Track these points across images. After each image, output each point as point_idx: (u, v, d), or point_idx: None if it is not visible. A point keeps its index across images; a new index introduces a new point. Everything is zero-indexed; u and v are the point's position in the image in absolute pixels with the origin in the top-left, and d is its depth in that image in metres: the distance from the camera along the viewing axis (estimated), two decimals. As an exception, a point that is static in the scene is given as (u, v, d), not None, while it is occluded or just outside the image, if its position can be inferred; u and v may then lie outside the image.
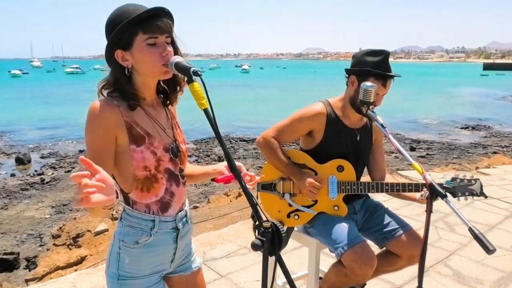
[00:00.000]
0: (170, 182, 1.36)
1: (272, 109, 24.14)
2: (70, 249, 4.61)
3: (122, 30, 1.21)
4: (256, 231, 1.07)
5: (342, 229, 1.99)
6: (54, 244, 4.87)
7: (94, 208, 1.11)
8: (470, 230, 1.38)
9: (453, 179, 1.96)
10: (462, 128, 18.27)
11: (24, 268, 5.90)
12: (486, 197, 2.00)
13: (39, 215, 8.55)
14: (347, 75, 2.10)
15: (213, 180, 1.57)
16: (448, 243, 3.67)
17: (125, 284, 1.34)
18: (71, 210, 8.62)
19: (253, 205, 1.08)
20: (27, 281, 4.06)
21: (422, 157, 11.86)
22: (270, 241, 1.03)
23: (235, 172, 1.11)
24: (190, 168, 1.59)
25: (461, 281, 3.03)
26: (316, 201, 2.10)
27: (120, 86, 1.29)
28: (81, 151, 14.16)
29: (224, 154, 1.11)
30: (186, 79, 1.19)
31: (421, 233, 2.06)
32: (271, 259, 1.07)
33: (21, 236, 7.33)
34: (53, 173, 11.66)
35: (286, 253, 3.33)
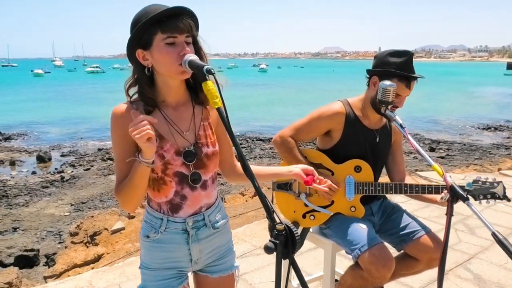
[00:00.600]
0: (182, 185, 1.35)
1: (289, 109, 24.08)
2: (87, 247, 4.68)
3: (142, 29, 1.22)
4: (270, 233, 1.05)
5: (359, 230, 1.94)
6: (72, 242, 4.95)
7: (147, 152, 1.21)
8: (493, 235, 1.33)
9: (475, 181, 1.90)
10: (484, 128, 17.85)
11: (43, 265, 6.02)
12: (509, 200, 1.93)
13: (59, 212, 8.72)
14: (368, 76, 2.05)
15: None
16: (468, 246, 3.57)
17: (143, 273, 1.42)
18: (89, 208, 8.76)
19: (266, 207, 1.05)
20: (45, 278, 4.14)
21: (442, 157, 11.63)
22: (284, 244, 1.00)
23: (248, 171, 1.09)
24: (257, 169, 1.53)
25: (482, 285, 2.94)
26: (332, 202, 2.07)
27: (140, 87, 1.31)
28: (99, 150, 14.41)
29: (237, 153, 1.09)
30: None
31: (441, 236, 2.01)
32: (285, 261, 1.05)
33: (41, 233, 7.48)
34: (72, 171, 11.87)
35: (301, 254, 3.30)
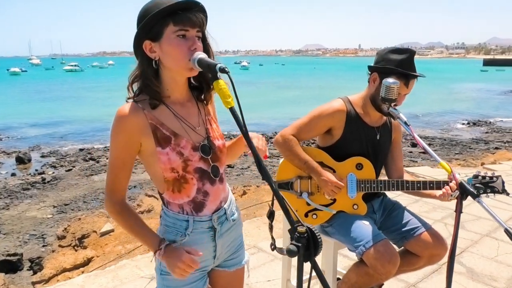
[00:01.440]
0: (203, 182, 1.32)
1: (272, 106, 24.08)
2: (76, 250, 4.56)
3: (153, 20, 1.18)
4: (290, 236, 1.02)
5: (362, 228, 1.94)
6: (60, 246, 4.82)
7: None
8: (506, 231, 1.33)
9: (475, 176, 1.92)
10: (463, 124, 18.26)
11: (27, 270, 5.84)
12: (508, 194, 1.95)
13: (41, 215, 8.49)
14: (369, 72, 2.04)
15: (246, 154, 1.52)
16: (459, 240, 3.58)
17: (166, 279, 1.35)
18: (72, 210, 8.56)
19: (285, 209, 1.02)
20: (33, 283, 4.01)
21: (423, 153, 11.82)
22: (306, 247, 0.98)
23: (265, 174, 1.05)
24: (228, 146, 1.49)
25: (475, 278, 2.99)
26: (334, 200, 2.05)
27: (145, 80, 1.26)
28: (81, 150, 14.14)
29: (253, 156, 1.06)
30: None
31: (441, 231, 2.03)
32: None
33: (23, 237, 7.27)
34: (53, 172, 11.60)
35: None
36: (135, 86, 1.30)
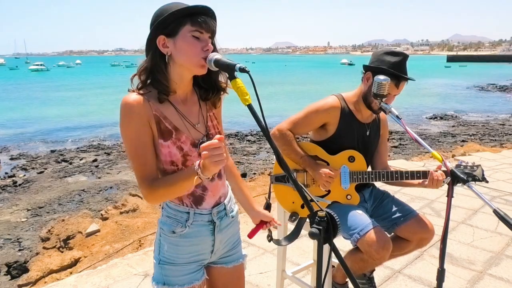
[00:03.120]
0: None
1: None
2: (61, 251, 4.49)
3: (171, 17, 1.23)
4: (310, 220, 1.11)
5: (356, 216, 2.05)
6: (44, 248, 4.72)
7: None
8: (495, 211, 1.47)
9: (457, 165, 2.06)
10: (430, 118, 18.92)
11: (4, 274, 5.71)
12: (487, 181, 2.11)
13: (15, 219, 8.25)
14: (364, 71, 2.15)
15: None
16: (437, 228, 3.79)
17: (164, 269, 1.40)
18: (48, 213, 8.36)
19: (304, 197, 1.11)
20: (20, 286, 3.94)
21: (395, 147, 12.20)
22: (325, 229, 1.07)
23: (287, 170, 1.12)
24: (243, 189, 1.63)
25: (455, 262, 3.18)
26: (329, 191, 2.16)
27: (155, 74, 1.29)
28: (52, 151, 13.78)
29: (274, 151, 1.14)
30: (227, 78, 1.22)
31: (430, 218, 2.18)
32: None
33: (-2, 242, 7.08)
34: (25, 175, 11.27)
35: (288, 246, 3.39)
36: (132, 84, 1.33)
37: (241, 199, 1.64)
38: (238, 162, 10.58)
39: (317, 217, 1.08)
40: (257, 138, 14.15)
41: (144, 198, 1.34)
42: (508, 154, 7.01)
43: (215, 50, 1.32)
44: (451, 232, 3.75)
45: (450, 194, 1.60)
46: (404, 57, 2.06)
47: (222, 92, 1.44)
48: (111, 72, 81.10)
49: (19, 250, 6.64)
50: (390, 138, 13.60)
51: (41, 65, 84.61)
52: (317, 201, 2.15)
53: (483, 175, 2.08)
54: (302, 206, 2.17)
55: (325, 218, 1.08)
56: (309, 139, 2.32)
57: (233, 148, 12.58)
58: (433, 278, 2.85)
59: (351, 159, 2.16)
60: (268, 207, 1.91)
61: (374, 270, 2.36)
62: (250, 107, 1.15)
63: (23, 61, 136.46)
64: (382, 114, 2.31)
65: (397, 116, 1.82)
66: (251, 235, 1.61)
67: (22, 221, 8.07)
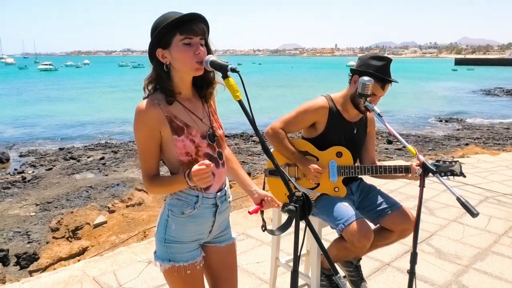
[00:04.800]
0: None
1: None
2: (70, 241, 4.71)
3: (163, 31, 1.43)
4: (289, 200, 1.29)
5: (342, 208, 2.23)
6: (54, 237, 4.95)
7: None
8: (458, 199, 1.63)
9: (437, 161, 2.23)
10: (436, 121, 18.98)
11: (14, 265, 5.94)
12: (465, 176, 2.26)
13: (24, 213, 8.51)
14: (350, 74, 2.33)
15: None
16: (428, 225, 3.98)
17: (170, 247, 1.57)
18: (56, 208, 8.61)
19: (284, 180, 1.30)
20: (30, 272, 4.15)
21: (399, 149, 12.31)
22: (301, 207, 1.25)
23: (270, 156, 1.31)
24: (240, 171, 1.79)
25: (443, 257, 3.33)
26: (318, 184, 2.34)
27: (160, 81, 1.50)
28: (61, 149, 14.06)
29: (259, 140, 1.32)
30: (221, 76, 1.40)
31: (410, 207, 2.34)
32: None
33: (7, 234, 7.30)
34: (33, 172, 11.54)
35: (283, 237, 3.56)
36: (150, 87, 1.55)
37: (242, 182, 1.79)
38: (243, 162, 10.77)
39: (294, 197, 1.25)
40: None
41: (146, 190, 1.57)
42: (506, 157, 7.13)
43: (209, 50, 1.50)
44: (441, 229, 3.90)
45: (421, 184, 1.78)
46: (388, 61, 2.24)
47: (213, 85, 1.62)
48: (119, 72, 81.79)
49: (28, 242, 6.87)
50: (394, 141, 13.72)
51: (49, 64, 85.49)
52: (308, 193, 2.34)
53: (461, 170, 2.24)
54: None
55: (301, 198, 1.25)
56: (300, 136, 2.50)
57: (238, 148, 12.78)
58: (421, 271, 3.03)
59: (339, 154, 2.33)
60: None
61: (360, 259, 2.53)
62: (240, 102, 1.34)
63: (31, 61, 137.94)
64: (369, 113, 2.48)
65: (378, 114, 1.99)
66: (252, 212, 1.74)
67: (31, 215, 8.32)
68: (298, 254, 1.35)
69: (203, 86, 1.62)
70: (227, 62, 1.39)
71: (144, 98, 1.52)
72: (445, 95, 32.41)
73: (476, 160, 6.74)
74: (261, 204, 1.74)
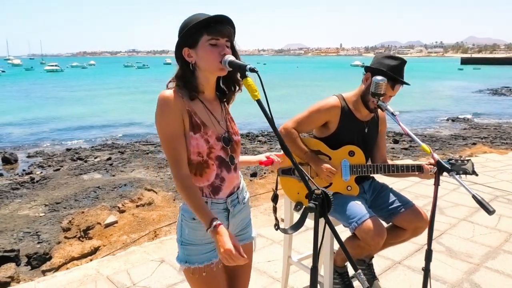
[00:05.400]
0: (221, 168, 1.57)
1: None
2: (81, 241, 4.76)
3: (190, 31, 1.45)
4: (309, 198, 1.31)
5: (355, 206, 2.24)
6: (65, 237, 5.00)
7: None
8: (474, 196, 1.65)
9: (449, 159, 2.24)
10: (442, 120, 18.91)
11: (25, 265, 6.00)
12: (477, 175, 2.28)
13: (33, 213, 8.58)
14: (364, 72, 2.35)
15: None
16: (439, 224, 3.98)
17: (187, 249, 1.59)
18: (65, 208, 8.68)
19: (304, 178, 1.31)
20: (43, 272, 4.20)
21: (406, 149, 12.28)
22: (321, 205, 1.27)
23: (289, 156, 1.34)
24: (242, 159, 1.81)
25: (454, 255, 3.34)
26: (331, 183, 2.36)
27: (185, 79, 1.52)
28: (68, 150, 14.16)
29: (278, 139, 1.34)
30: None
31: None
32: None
33: (18, 234, 7.37)
34: (41, 172, 11.63)
35: (294, 235, 3.59)
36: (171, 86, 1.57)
37: (247, 162, 1.86)
38: (248, 162, 10.79)
39: (314, 194, 1.27)
40: (267, 139, 14.36)
41: (174, 182, 1.54)
42: (515, 156, 7.11)
43: (234, 51, 1.52)
44: (452, 228, 3.90)
45: (436, 183, 1.79)
46: (402, 62, 2.25)
47: (238, 88, 1.64)
48: (124, 73, 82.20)
49: (38, 242, 6.94)
50: (401, 140, 13.69)
51: (55, 65, 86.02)
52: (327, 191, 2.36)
53: (473, 168, 2.25)
54: (307, 197, 2.36)
55: (321, 195, 1.27)
56: (312, 135, 2.52)
57: (244, 148, 12.80)
58: (432, 270, 3.02)
59: (351, 153, 2.35)
60: (275, 197, 2.11)
61: (372, 257, 2.55)
62: (258, 102, 1.36)
63: (37, 62, 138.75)
64: (380, 112, 2.50)
65: (392, 113, 2.00)
66: (263, 163, 1.78)
67: (40, 216, 8.39)
68: (318, 251, 1.36)
69: (227, 88, 1.64)
70: (246, 63, 1.41)
71: (167, 87, 1.54)
72: (452, 94, 32.25)
73: (484, 159, 6.72)
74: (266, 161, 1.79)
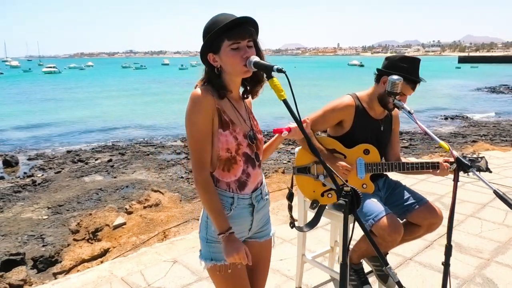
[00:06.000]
0: (247, 164, 1.61)
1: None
2: (91, 243, 4.76)
3: (212, 38, 1.48)
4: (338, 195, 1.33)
5: (371, 204, 2.27)
6: (74, 239, 5.00)
7: None
8: (495, 192, 1.67)
9: (464, 157, 2.26)
10: (441, 119, 18.98)
11: (31, 268, 6.00)
12: (491, 172, 2.31)
13: (36, 216, 8.58)
14: (377, 74, 2.37)
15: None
16: (446, 220, 4.00)
17: (212, 246, 1.61)
18: (68, 211, 8.67)
19: (332, 176, 1.34)
20: (55, 274, 4.21)
21: (406, 147, 12.33)
22: (350, 202, 1.29)
23: (317, 155, 1.35)
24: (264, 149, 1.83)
25: (463, 251, 3.37)
26: (346, 181, 2.37)
27: (213, 81, 1.55)
28: (68, 152, 14.15)
29: (306, 139, 1.35)
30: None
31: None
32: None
33: (22, 238, 7.36)
34: (43, 175, 11.61)
35: (309, 233, 3.62)
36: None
37: (269, 148, 1.87)
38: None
39: (343, 192, 1.30)
40: (268, 139, 14.33)
41: (194, 183, 1.57)
42: (517, 153, 7.15)
43: (258, 50, 1.54)
44: (460, 224, 3.93)
45: (456, 179, 1.82)
46: (418, 62, 2.30)
47: (262, 84, 1.66)
48: (122, 73, 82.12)
49: (43, 245, 6.93)
50: (401, 138, 13.75)
51: (53, 67, 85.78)
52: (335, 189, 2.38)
53: (486, 165, 2.29)
54: (322, 195, 2.39)
55: (350, 193, 1.29)
56: (327, 134, 2.54)
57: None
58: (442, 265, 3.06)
59: (366, 152, 2.37)
60: (291, 196, 2.13)
61: (387, 253, 2.57)
62: (285, 101, 1.38)
63: (35, 64, 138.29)
64: (394, 110, 2.52)
65: (409, 112, 2.03)
66: (275, 130, 1.79)
67: (44, 219, 8.38)
68: (347, 247, 1.38)
69: (250, 85, 1.66)
70: (273, 64, 1.43)
71: (196, 86, 1.56)
72: (450, 93, 32.38)
73: (487, 157, 6.65)
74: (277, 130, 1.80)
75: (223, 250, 1.51)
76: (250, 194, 1.64)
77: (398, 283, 1.41)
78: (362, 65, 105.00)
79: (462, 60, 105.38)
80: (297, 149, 2.53)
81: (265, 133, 15.22)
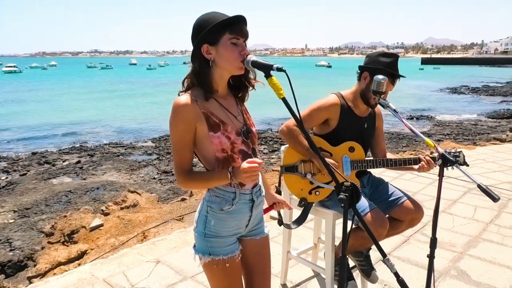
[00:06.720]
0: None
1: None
2: (66, 245, 4.62)
3: (213, 28, 1.48)
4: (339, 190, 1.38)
5: (357, 200, 2.33)
6: (49, 242, 4.84)
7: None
8: (479, 186, 1.77)
9: (448, 153, 2.37)
10: (407, 119, 19.60)
11: (-1, 274, 5.76)
12: (468, 165, 2.43)
13: (2, 220, 8.23)
14: (359, 71, 2.44)
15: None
16: (426, 217, 4.17)
17: (210, 241, 1.62)
18: (35, 214, 8.37)
19: (331, 172, 1.38)
20: (29, 278, 4.06)
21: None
22: (350, 196, 1.34)
23: (317, 152, 1.39)
24: (262, 173, 1.85)
25: (438, 245, 3.46)
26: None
27: (201, 76, 1.55)
28: (34, 153, 13.66)
29: (305, 137, 1.39)
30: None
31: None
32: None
33: (-13, 243, 7.07)
34: (7, 177, 11.17)
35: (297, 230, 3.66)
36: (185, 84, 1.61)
37: (264, 183, 1.89)
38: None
39: (343, 187, 1.34)
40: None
41: (178, 184, 1.60)
42: (482, 151, 7.51)
43: None
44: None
45: (441, 174, 1.91)
46: (396, 57, 2.38)
47: (251, 88, 1.69)
48: (88, 73, 79.94)
49: (11, 250, 6.65)
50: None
51: (13, 66, 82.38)
52: (323, 187, 2.44)
53: (464, 159, 2.40)
54: (310, 192, 2.44)
55: (350, 187, 1.34)
56: (312, 133, 2.60)
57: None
58: (419, 259, 3.20)
59: (351, 149, 2.44)
60: (278, 194, 2.17)
61: (370, 249, 2.66)
62: (284, 100, 1.41)
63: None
64: (377, 108, 2.61)
65: (394, 110, 2.11)
66: (264, 212, 1.86)
67: (10, 222, 8.05)
68: (346, 240, 1.43)
69: (239, 86, 1.68)
70: (271, 63, 1.46)
71: (179, 93, 1.57)
72: (414, 93, 33.42)
73: (454, 154, 7.04)
74: (273, 206, 1.89)
75: (239, 177, 1.49)
76: (250, 190, 1.66)
77: (396, 273, 1.48)
78: (329, 66, 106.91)
79: (425, 61, 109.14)
80: (283, 148, 2.57)
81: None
